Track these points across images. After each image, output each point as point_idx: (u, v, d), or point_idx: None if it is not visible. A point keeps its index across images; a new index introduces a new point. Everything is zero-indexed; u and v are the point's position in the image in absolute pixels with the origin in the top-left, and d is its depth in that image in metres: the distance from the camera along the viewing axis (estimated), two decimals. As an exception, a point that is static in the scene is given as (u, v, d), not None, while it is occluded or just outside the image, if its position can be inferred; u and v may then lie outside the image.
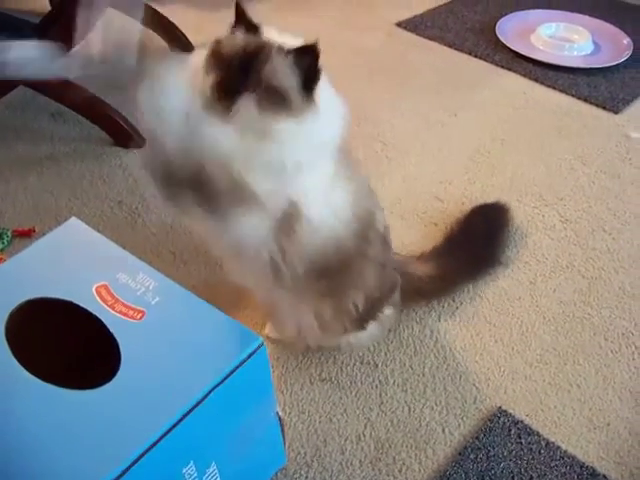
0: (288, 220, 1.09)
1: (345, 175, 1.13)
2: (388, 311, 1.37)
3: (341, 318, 1.27)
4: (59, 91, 1.88)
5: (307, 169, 1.06)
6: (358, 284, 1.24)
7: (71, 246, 1.10)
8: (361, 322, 1.31)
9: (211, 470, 0.97)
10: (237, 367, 0.92)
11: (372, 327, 1.35)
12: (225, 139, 1.01)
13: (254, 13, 1.04)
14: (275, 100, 0.98)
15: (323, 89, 1.03)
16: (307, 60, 0.99)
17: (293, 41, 1.04)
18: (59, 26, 1.77)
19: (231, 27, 1.04)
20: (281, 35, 1.05)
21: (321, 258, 1.14)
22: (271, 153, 1.02)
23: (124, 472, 0.81)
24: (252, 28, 1.04)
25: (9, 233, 1.59)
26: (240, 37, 1.02)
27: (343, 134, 1.09)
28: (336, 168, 1.11)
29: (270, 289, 1.22)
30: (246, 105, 0.98)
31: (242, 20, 1.04)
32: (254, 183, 1.03)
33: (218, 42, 1.02)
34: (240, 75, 0.98)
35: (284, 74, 0.98)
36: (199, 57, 1.03)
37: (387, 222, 1.29)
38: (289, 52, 0.99)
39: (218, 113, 0.99)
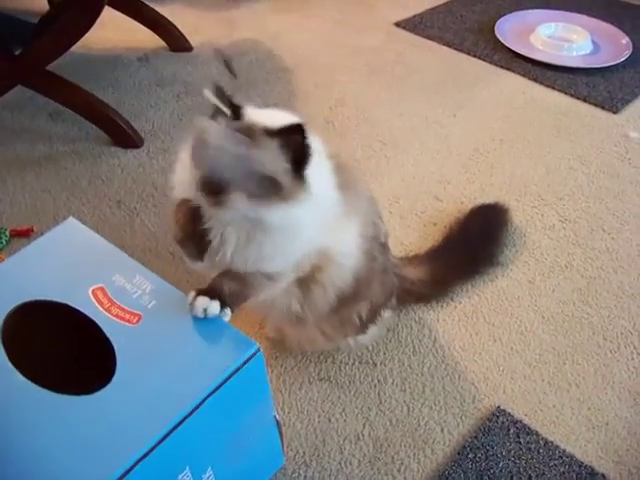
0: (315, 270, 1.10)
1: (351, 203, 1.09)
2: (387, 313, 1.38)
3: (344, 328, 1.29)
4: (57, 91, 1.88)
5: (318, 234, 1.04)
6: (366, 296, 1.25)
7: (68, 247, 1.10)
8: (363, 328, 1.32)
9: (207, 475, 0.97)
10: (233, 373, 0.91)
11: (372, 329, 1.35)
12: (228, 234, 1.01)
13: (235, 94, 0.97)
14: (266, 186, 0.92)
15: (316, 165, 0.97)
16: (294, 140, 0.92)
17: (278, 117, 0.98)
18: (58, 26, 1.78)
19: (213, 111, 0.96)
20: (264, 113, 0.99)
21: (343, 289, 1.16)
22: (267, 243, 0.99)
23: (119, 479, 0.80)
24: (235, 110, 0.95)
25: (7, 233, 1.59)
26: (220, 122, 0.94)
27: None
28: (343, 202, 1.06)
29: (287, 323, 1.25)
30: (237, 198, 0.93)
31: (224, 102, 0.95)
32: (268, 268, 1.04)
33: (202, 132, 0.94)
34: (227, 170, 0.92)
35: (271, 160, 0.92)
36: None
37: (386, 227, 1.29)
38: (274, 134, 0.92)
39: (210, 207, 0.96)
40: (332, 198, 1.03)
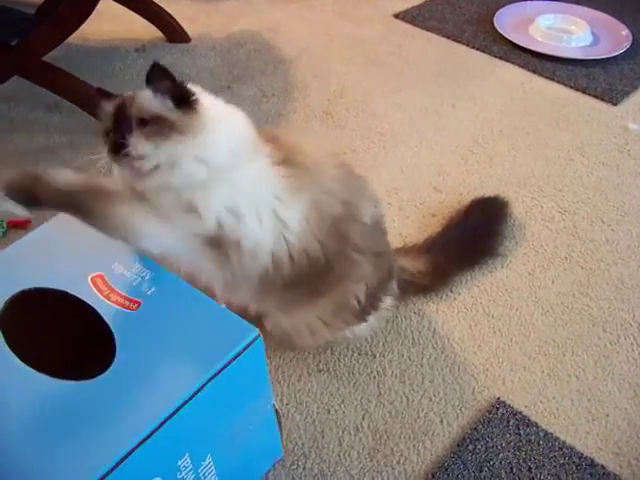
0: (220, 242, 1.08)
1: (299, 181, 1.11)
2: (387, 301, 1.36)
3: (343, 313, 1.27)
4: (55, 82, 1.87)
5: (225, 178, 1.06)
6: (354, 277, 1.22)
7: (67, 236, 1.10)
8: (363, 314, 1.31)
9: (206, 462, 0.97)
10: (233, 359, 0.91)
11: (372, 318, 1.35)
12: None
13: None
14: (159, 125, 1.02)
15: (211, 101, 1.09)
16: (162, 81, 1.03)
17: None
18: (55, 16, 1.77)
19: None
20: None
21: (285, 270, 1.13)
22: (177, 176, 1.04)
23: (118, 463, 0.80)
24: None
25: (5, 224, 1.59)
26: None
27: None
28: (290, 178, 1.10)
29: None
30: (135, 141, 1.01)
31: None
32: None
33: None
34: (118, 126, 1.02)
35: (152, 102, 1.03)
36: None
37: (382, 211, 1.28)
38: (149, 82, 1.04)
39: (114, 161, 1.04)
40: (241, 130, 1.10)
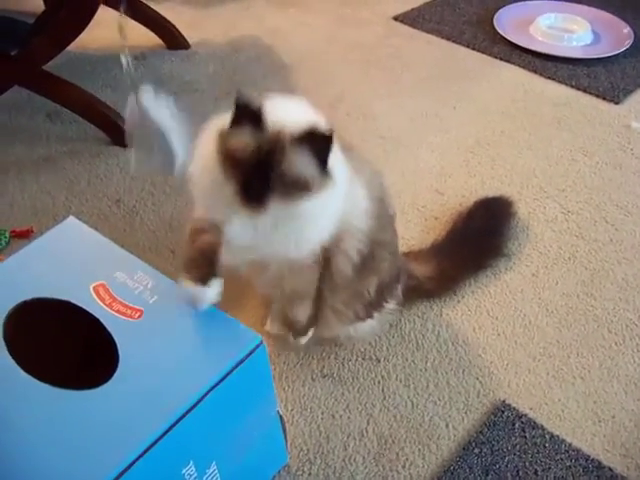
0: (337, 240, 1.13)
1: (356, 169, 1.13)
2: (391, 305, 1.36)
3: (354, 304, 1.28)
4: (55, 91, 1.87)
5: (339, 209, 1.09)
6: (375, 270, 1.24)
7: (69, 245, 1.10)
8: (370, 309, 1.31)
9: (211, 470, 0.97)
10: (236, 366, 0.91)
11: (375, 318, 1.35)
12: (259, 232, 1.05)
13: (256, 97, 1.00)
14: (298, 187, 0.99)
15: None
16: (322, 145, 0.99)
17: (300, 117, 1.02)
18: (54, 25, 1.77)
19: (233, 115, 1.00)
20: (284, 112, 1.02)
21: (363, 251, 1.17)
22: (304, 230, 1.07)
23: (122, 473, 0.80)
24: (256, 117, 0.99)
25: (7, 234, 1.59)
26: (247, 133, 0.98)
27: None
28: (350, 171, 1.11)
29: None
30: (273, 203, 0.99)
31: (244, 111, 0.99)
32: (299, 254, 1.10)
33: (224, 138, 1.00)
34: (261, 179, 0.98)
35: (302, 164, 0.98)
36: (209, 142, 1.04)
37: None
38: (303, 139, 0.98)
39: (248, 213, 1.01)
40: (345, 173, 1.08)
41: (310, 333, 1.35)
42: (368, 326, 1.35)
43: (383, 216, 1.21)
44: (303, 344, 1.35)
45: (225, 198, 1.00)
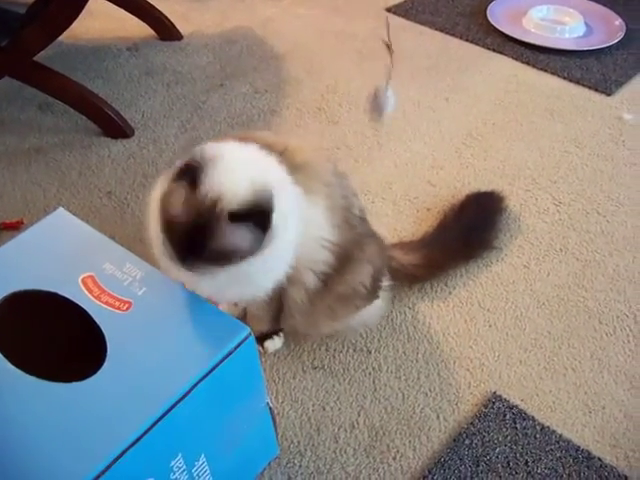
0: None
1: (309, 182, 1.10)
2: (385, 282, 1.36)
3: (352, 301, 1.28)
4: (46, 82, 1.87)
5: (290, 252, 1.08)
6: (363, 259, 1.23)
7: (57, 237, 1.09)
8: (370, 297, 1.31)
9: (200, 462, 0.96)
10: (225, 357, 0.91)
11: (378, 300, 1.35)
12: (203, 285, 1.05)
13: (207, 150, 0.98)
14: (235, 256, 0.98)
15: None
16: (261, 220, 0.96)
17: (244, 174, 0.97)
18: (44, 15, 1.76)
19: (174, 176, 0.99)
20: (229, 165, 0.97)
21: (324, 270, 1.17)
22: (251, 284, 1.08)
23: (110, 465, 0.80)
24: (194, 180, 0.95)
25: (-4, 226, 1.58)
26: (183, 199, 0.96)
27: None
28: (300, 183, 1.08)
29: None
30: (210, 268, 0.99)
31: (185, 171, 0.97)
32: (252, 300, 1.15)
33: (166, 199, 0.98)
34: (194, 249, 0.96)
35: (238, 238, 0.96)
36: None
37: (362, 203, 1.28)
38: (239, 216, 0.94)
39: (184, 269, 0.99)
40: (297, 216, 1.05)
41: (279, 344, 1.36)
42: (377, 306, 1.36)
43: (349, 218, 1.19)
44: (270, 351, 1.36)
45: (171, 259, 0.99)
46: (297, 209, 1.05)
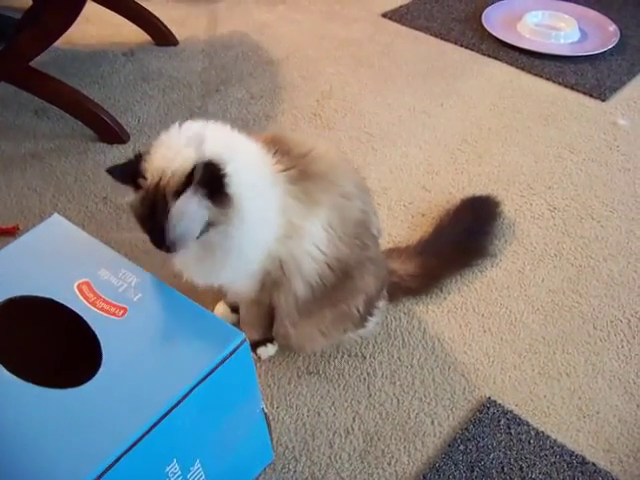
0: (279, 270, 1.14)
1: (316, 194, 1.12)
2: (381, 303, 1.37)
3: (342, 322, 1.28)
4: (42, 87, 1.87)
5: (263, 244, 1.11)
6: (360, 288, 1.24)
7: (53, 243, 1.10)
8: (362, 321, 1.31)
9: (195, 468, 0.96)
10: (220, 364, 0.91)
11: (371, 321, 1.35)
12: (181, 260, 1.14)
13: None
14: (194, 228, 1.02)
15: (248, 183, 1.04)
16: (210, 183, 0.98)
17: (186, 147, 1.00)
18: (40, 20, 1.76)
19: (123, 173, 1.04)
20: (170, 144, 1.02)
21: (318, 282, 1.17)
22: (226, 260, 1.09)
23: (105, 471, 0.80)
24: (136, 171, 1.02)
25: (-9, 232, 1.58)
26: (134, 190, 1.02)
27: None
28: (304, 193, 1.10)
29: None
30: (178, 245, 1.03)
31: (129, 166, 1.03)
32: (232, 283, 1.19)
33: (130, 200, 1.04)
34: (156, 230, 1.01)
35: (191, 209, 0.99)
36: None
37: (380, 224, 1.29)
38: (185, 185, 0.97)
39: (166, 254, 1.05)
40: (271, 200, 1.08)
41: (272, 351, 1.36)
42: (369, 330, 1.37)
43: (362, 235, 1.19)
44: (263, 358, 1.36)
45: None
46: (276, 197, 1.08)
